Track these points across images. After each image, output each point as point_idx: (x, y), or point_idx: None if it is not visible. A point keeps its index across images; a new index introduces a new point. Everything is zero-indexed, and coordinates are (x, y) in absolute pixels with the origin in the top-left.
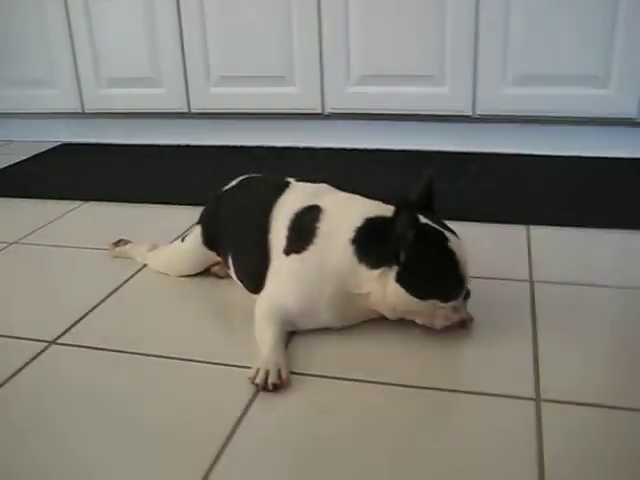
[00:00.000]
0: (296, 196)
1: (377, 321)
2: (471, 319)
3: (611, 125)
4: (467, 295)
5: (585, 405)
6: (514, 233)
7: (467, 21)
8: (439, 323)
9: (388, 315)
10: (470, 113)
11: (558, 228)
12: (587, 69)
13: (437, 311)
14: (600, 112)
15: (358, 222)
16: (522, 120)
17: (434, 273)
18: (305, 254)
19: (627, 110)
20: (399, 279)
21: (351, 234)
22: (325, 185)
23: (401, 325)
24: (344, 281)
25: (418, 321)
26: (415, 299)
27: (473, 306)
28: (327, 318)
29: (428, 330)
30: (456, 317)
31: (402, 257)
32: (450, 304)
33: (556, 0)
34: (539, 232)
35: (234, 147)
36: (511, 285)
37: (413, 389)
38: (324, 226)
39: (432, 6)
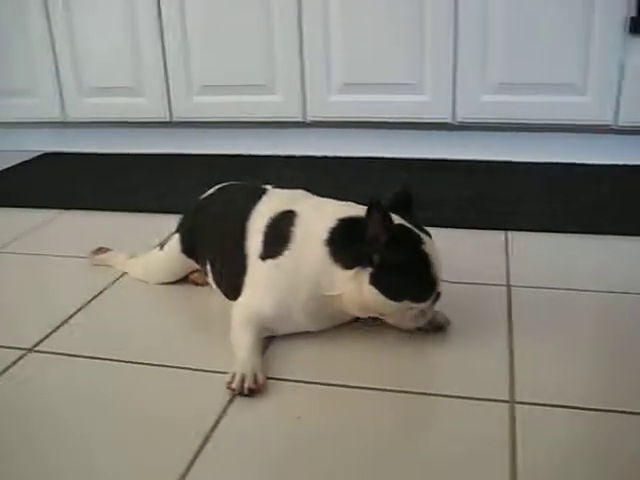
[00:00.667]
0: (272, 202)
1: (353, 325)
2: (448, 322)
3: (589, 132)
4: (437, 297)
5: (559, 407)
6: (492, 238)
7: (446, 29)
8: (407, 324)
9: (359, 314)
10: (450, 121)
11: (536, 234)
12: (565, 77)
13: (407, 312)
14: (578, 119)
15: (331, 223)
16: (502, 127)
17: (407, 275)
18: (280, 259)
19: (604, 117)
20: (373, 281)
21: (325, 235)
22: (301, 191)
23: (378, 329)
24: (318, 283)
25: (389, 321)
26: (389, 300)
27: (450, 310)
28: (303, 322)
29: (404, 334)
30: (424, 320)
31: (375, 259)
32: (420, 306)
33: (534, 9)
34: (517, 237)
35: (216, 156)
36: (488, 289)
37: (389, 393)
38: (299, 230)
39: (412, 14)
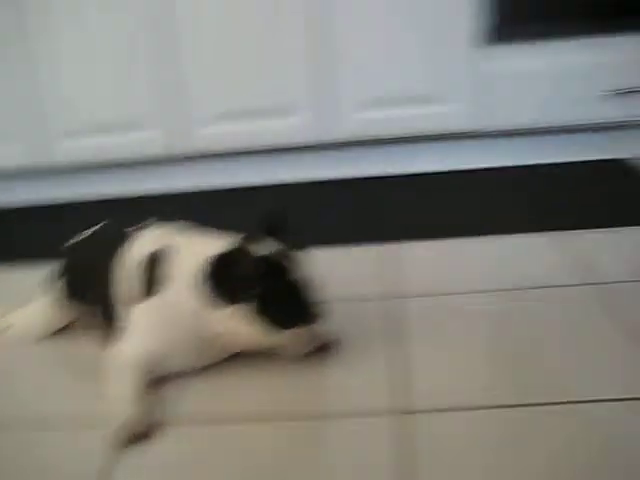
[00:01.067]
0: (144, 241)
1: (241, 357)
2: (334, 342)
3: (450, 140)
4: (320, 316)
5: (448, 411)
6: (374, 253)
7: (313, 50)
8: (298, 350)
9: (243, 349)
10: (323, 140)
11: (417, 242)
12: (421, 89)
13: (295, 338)
14: (439, 129)
15: (203, 263)
16: (371, 143)
17: (285, 304)
18: (155, 300)
19: (462, 125)
20: (253, 315)
21: (197, 275)
22: (174, 227)
23: (259, 359)
24: (196, 324)
25: (279, 351)
26: (272, 330)
27: (336, 328)
28: (185, 361)
29: (292, 360)
30: (313, 342)
31: (248, 296)
32: (306, 329)
33: (386, 26)
34: (397, 249)
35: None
36: (373, 304)
37: (279, 422)
38: (171, 270)
39: (274, 38)
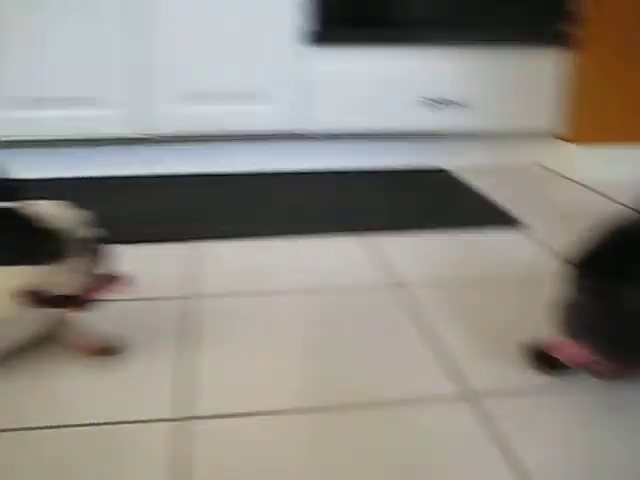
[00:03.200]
0: None
1: (18, 358)
2: (114, 345)
3: (279, 140)
4: (94, 252)
5: (237, 416)
6: (180, 251)
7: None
8: (61, 289)
9: (12, 311)
10: (131, 134)
11: (225, 242)
12: (247, 86)
13: (55, 278)
14: (264, 128)
15: None
16: (195, 139)
17: (7, 238)
18: None
19: (289, 125)
20: None
21: None
22: None
23: (42, 362)
24: None
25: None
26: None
27: (121, 330)
28: None
29: (69, 363)
30: (82, 281)
31: None
32: (54, 267)
33: (215, 23)
34: (203, 248)
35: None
36: (162, 304)
37: (49, 430)
38: None
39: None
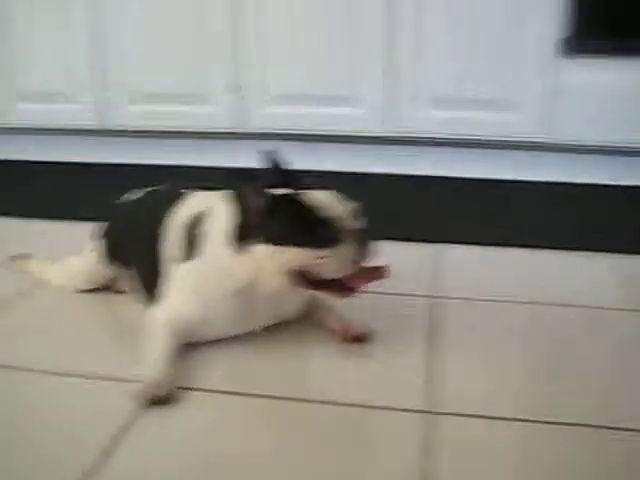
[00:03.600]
0: (191, 205)
1: (276, 334)
2: (369, 333)
3: (520, 149)
4: (364, 244)
5: (475, 417)
6: (421, 251)
7: (380, 43)
8: (327, 273)
9: (281, 288)
10: (383, 134)
11: (464, 246)
12: (498, 93)
13: (324, 262)
14: (512, 136)
15: (232, 221)
16: (434, 142)
17: (288, 220)
18: (196, 260)
19: (538, 134)
20: (257, 239)
21: (228, 234)
22: (219, 191)
23: (299, 340)
24: (233, 278)
25: (315, 272)
26: (274, 247)
27: (374, 321)
28: (225, 323)
29: (326, 345)
30: (345, 269)
31: (254, 222)
32: (326, 252)
33: (471, 25)
34: (445, 250)
35: (149, 166)
36: (414, 301)
37: (305, 403)
38: (207, 230)
39: (344, 28)
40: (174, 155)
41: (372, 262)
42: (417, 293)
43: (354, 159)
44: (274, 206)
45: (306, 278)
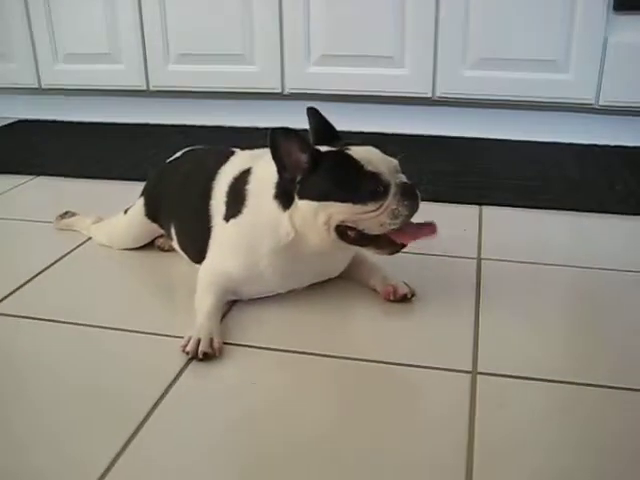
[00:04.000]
0: (236, 163)
1: (320, 293)
2: (413, 292)
3: (570, 111)
4: (402, 191)
5: (521, 379)
6: (466, 212)
7: (428, 2)
8: (377, 229)
9: (328, 246)
10: (430, 95)
11: (510, 208)
12: (547, 53)
13: (373, 217)
14: (559, 97)
15: (276, 178)
16: (481, 104)
17: (333, 175)
18: (240, 217)
19: (586, 95)
20: (300, 196)
21: (273, 191)
22: (266, 149)
23: (344, 298)
24: (277, 234)
25: (366, 247)
26: (323, 204)
27: (419, 281)
28: (270, 280)
29: (370, 304)
30: (392, 222)
31: (298, 178)
32: (373, 206)
33: None
34: (491, 212)
35: (192, 126)
36: (459, 262)
37: (348, 361)
38: (252, 188)
39: None
40: (216, 116)
41: (419, 220)
42: (462, 254)
43: (399, 120)
44: (319, 161)
45: (352, 234)
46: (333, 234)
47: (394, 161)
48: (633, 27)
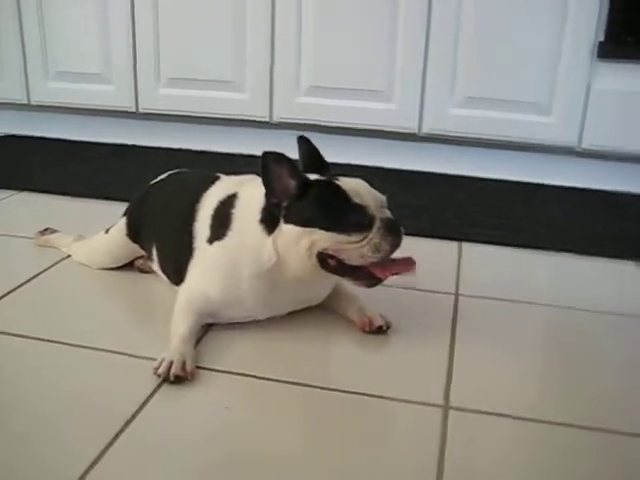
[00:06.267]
0: (222, 187)
1: (297, 321)
2: (388, 325)
3: (552, 153)
4: (393, 233)
5: (492, 415)
6: (446, 248)
7: (418, 40)
8: (357, 260)
9: (307, 272)
10: (416, 131)
11: (489, 246)
12: (531, 96)
13: (354, 248)
14: (542, 139)
15: (263, 202)
16: (466, 142)
17: (321, 203)
18: (225, 239)
19: (568, 138)
20: (286, 220)
21: (259, 212)
22: (252, 175)
23: (320, 327)
24: (260, 258)
25: (345, 278)
26: (302, 229)
27: (394, 314)
28: (250, 305)
29: (346, 335)
30: (373, 256)
31: (285, 203)
32: (356, 238)
33: (505, 27)
34: (471, 248)
35: (179, 150)
36: (436, 297)
37: (320, 390)
38: (238, 212)
39: (384, 21)
40: (203, 141)
41: (399, 255)
42: (440, 290)
43: (384, 154)
44: (307, 189)
45: (332, 262)
46: (314, 260)
47: (381, 196)
48: (616, 74)
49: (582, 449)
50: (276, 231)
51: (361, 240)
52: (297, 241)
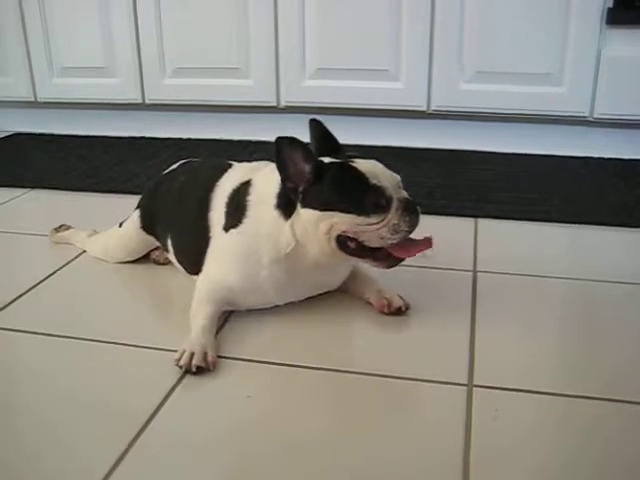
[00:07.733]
0: (235, 174)
1: (315, 305)
2: (407, 305)
3: (564, 124)
4: (404, 206)
5: (516, 391)
6: (461, 225)
7: (423, 16)
8: (373, 241)
9: (328, 257)
10: (425, 108)
11: (505, 221)
12: (542, 67)
13: (374, 229)
14: (554, 110)
15: (278, 188)
16: (476, 117)
17: (337, 187)
18: (241, 227)
19: (580, 108)
20: (303, 204)
21: (274, 201)
22: (265, 162)
23: (339, 311)
24: (278, 244)
25: (365, 261)
26: (325, 214)
27: (414, 294)
28: (269, 291)
29: (365, 317)
30: (392, 237)
31: (301, 188)
32: (375, 219)
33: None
34: (487, 224)
35: (187, 139)
36: (454, 275)
37: (343, 374)
38: (253, 198)
39: (387, 0)
40: (212, 129)
41: (416, 235)
42: (458, 267)
43: (393, 133)
44: (322, 172)
45: (352, 245)
46: (333, 244)
47: (397, 177)
48: (626, 41)
49: (606, 421)
50: (293, 216)
51: (380, 221)
52: (316, 225)
